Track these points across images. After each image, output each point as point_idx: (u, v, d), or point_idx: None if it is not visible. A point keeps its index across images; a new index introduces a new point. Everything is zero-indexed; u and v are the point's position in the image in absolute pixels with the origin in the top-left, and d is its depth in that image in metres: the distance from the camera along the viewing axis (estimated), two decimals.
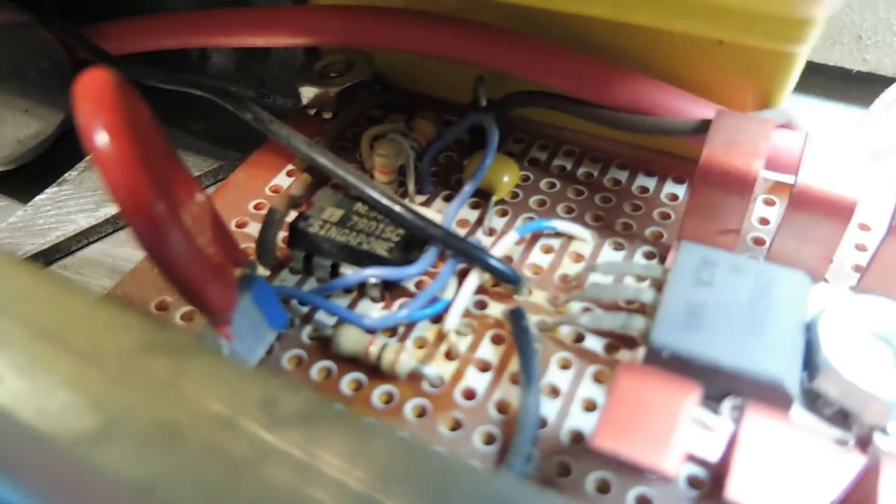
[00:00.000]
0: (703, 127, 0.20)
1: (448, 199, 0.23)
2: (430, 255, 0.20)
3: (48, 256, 0.26)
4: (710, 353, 0.16)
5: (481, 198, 0.23)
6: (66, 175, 0.29)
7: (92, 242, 0.27)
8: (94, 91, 0.14)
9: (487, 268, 0.19)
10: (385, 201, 0.20)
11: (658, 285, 0.19)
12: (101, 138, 0.13)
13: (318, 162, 0.21)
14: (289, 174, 0.25)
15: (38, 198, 0.28)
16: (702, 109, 0.21)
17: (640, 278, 0.20)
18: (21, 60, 0.27)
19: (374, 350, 0.18)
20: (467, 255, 0.20)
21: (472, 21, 0.23)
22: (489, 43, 0.22)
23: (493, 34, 0.23)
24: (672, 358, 0.16)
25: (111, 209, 0.27)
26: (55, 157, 0.29)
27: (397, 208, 0.20)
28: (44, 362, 0.12)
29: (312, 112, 0.27)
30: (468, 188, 0.22)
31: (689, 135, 0.21)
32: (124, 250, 0.26)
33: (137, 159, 0.13)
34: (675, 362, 0.16)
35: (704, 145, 0.19)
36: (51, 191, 0.28)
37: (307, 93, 0.27)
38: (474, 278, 0.20)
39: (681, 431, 0.14)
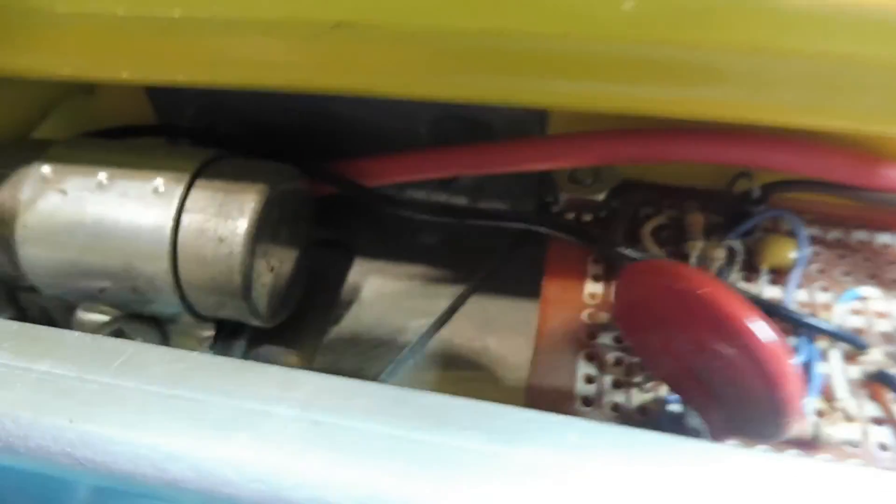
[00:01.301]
0: None
1: (747, 280, 0.28)
2: (807, 345, 0.25)
3: None
4: None
5: (768, 272, 0.28)
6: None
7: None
8: (696, 276, 0.18)
9: (846, 341, 0.25)
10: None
11: None
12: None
13: None
14: (594, 278, 0.28)
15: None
16: None
17: None
18: (285, 210, 0.28)
19: (807, 427, 0.23)
20: (830, 335, 0.25)
21: (724, 129, 0.27)
22: (766, 149, 0.27)
23: (761, 140, 0.27)
24: None
25: None
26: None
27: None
28: None
29: (570, 216, 0.30)
30: (795, 277, 0.26)
31: None
32: None
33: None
34: None
35: None
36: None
37: (563, 198, 0.30)
38: (836, 353, 0.25)
39: None
